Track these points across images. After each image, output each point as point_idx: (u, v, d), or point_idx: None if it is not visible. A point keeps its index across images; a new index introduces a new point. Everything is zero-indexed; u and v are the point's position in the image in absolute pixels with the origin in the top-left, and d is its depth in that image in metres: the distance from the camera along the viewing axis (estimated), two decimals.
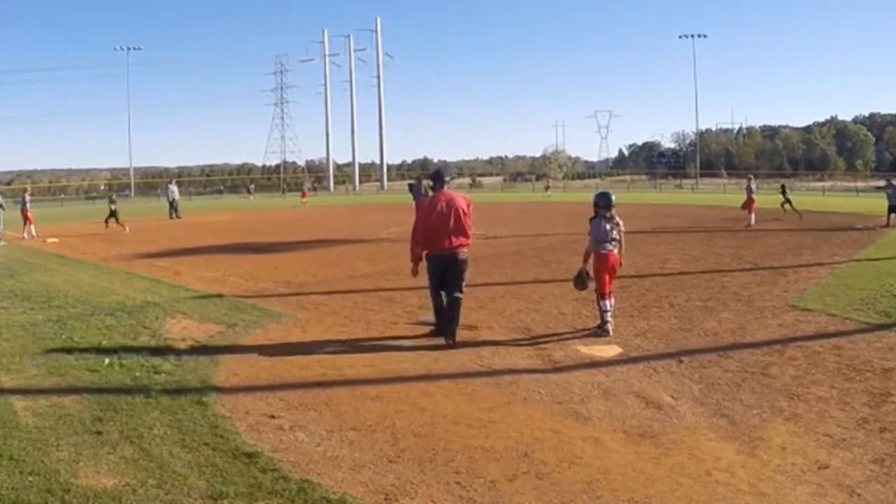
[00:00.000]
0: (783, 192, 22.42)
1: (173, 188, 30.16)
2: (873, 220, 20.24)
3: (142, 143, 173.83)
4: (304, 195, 45.13)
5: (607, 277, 7.02)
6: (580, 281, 7.26)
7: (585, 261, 7.21)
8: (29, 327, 7.55)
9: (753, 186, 20.58)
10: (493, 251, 14.28)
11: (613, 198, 7.18)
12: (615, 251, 7.06)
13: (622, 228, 7.14)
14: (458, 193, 7.23)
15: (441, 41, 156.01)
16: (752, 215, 19.84)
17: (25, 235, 19.99)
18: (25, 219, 20.51)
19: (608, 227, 7.00)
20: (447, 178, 7.47)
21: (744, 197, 20.64)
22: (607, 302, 7.03)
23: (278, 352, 6.50)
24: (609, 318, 7.01)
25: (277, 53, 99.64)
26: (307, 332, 7.32)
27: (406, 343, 6.79)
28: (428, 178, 7.23)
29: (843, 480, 3.73)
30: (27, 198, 21.47)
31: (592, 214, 7.17)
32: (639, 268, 11.45)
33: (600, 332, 6.99)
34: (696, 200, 37.45)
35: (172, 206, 28.64)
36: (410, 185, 14.53)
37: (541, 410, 4.90)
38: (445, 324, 6.77)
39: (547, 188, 55.25)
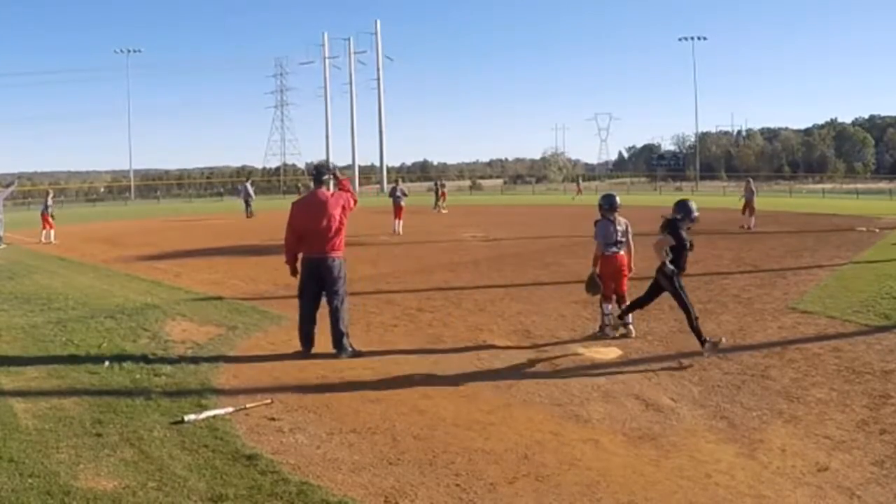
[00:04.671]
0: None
1: (248, 187, 30.18)
2: (874, 223, 20.24)
3: (142, 146, 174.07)
4: None
5: (613, 281, 7.01)
6: (593, 285, 7.09)
7: (595, 264, 7.14)
8: (29, 329, 7.55)
9: (753, 188, 20.61)
10: (493, 253, 14.24)
11: (618, 200, 7.17)
12: (621, 253, 7.04)
13: (630, 231, 7.12)
14: (337, 192, 6.52)
15: (441, 44, 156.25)
16: (752, 218, 19.87)
17: (42, 239, 18.41)
18: (46, 223, 18.82)
19: (613, 229, 6.99)
20: (326, 177, 6.71)
21: (754, 199, 20.42)
22: (610, 305, 7.03)
23: (278, 354, 6.51)
24: (630, 320, 7.00)
25: (277, 56, 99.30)
26: None
27: (405, 345, 6.79)
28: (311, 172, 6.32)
29: (842, 482, 3.73)
30: (50, 202, 19.48)
31: (598, 217, 7.16)
32: (638, 270, 11.39)
33: (601, 335, 7.00)
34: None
35: (248, 204, 28.74)
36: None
37: (541, 413, 4.90)
38: (308, 335, 6.45)
39: (578, 191, 45.94)
